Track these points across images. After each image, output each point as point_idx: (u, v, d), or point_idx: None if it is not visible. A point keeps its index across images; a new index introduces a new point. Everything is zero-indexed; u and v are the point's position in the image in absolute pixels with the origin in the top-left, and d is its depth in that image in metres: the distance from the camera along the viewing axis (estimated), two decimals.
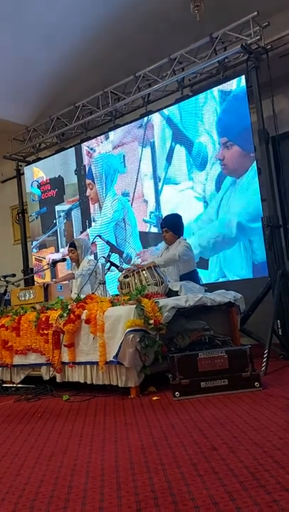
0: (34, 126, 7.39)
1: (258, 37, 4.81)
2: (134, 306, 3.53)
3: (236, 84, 5.23)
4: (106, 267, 4.58)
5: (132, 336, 3.40)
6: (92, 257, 6.03)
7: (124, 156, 6.36)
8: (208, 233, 5.43)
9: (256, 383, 3.16)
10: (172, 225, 4.71)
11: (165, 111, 5.93)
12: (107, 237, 6.37)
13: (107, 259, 4.58)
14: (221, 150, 5.36)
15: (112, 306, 3.71)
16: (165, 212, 5.64)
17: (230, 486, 1.68)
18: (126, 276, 4.19)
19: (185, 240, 4.73)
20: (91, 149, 6.81)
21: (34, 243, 7.67)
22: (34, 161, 7.69)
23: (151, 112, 6.08)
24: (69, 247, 5.62)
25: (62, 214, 7.25)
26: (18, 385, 4.33)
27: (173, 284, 4.31)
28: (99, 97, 6.42)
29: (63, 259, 5.86)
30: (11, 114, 7.25)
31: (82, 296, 4.19)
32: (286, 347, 4.36)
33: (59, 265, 6.56)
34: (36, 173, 7.68)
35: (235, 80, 5.24)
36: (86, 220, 6.88)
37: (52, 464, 2.17)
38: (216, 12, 4.95)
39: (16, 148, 7.72)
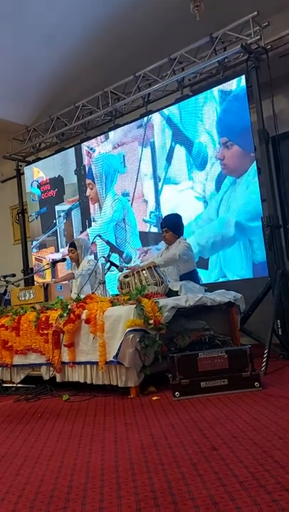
0: (34, 126, 7.39)
1: (258, 37, 4.82)
2: (134, 306, 3.53)
3: (236, 84, 5.23)
4: (106, 267, 4.58)
5: (131, 335, 3.40)
6: (92, 257, 6.03)
7: (124, 156, 6.36)
8: (207, 232, 5.44)
9: (256, 383, 3.15)
10: (172, 225, 4.71)
11: (165, 111, 5.93)
12: (107, 237, 6.37)
13: (107, 259, 4.57)
14: (221, 150, 5.36)
15: (112, 306, 3.71)
16: (165, 212, 5.64)
17: (230, 485, 1.68)
18: (126, 276, 4.19)
19: (185, 239, 4.73)
20: (91, 149, 6.81)
21: (34, 243, 7.67)
22: (34, 161, 7.69)
23: (151, 112, 6.08)
24: (69, 247, 5.62)
25: (62, 214, 7.25)
26: (18, 385, 4.33)
27: (173, 284, 4.31)
28: (99, 97, 6.42)
29: (63, 259, 5.86)
30: (11, 114, 7.25)
31: (82, 296, 4.19)
32: (286, 347, 4.36)
33: (59, 265, 6.57)
34: (36, 173, 7.68)
35: (235, 79, 5.24)
36: (86, 220, 6.89)
37: (52, 464, 2.17)
38: (216, 12, 4.95)
39: (16, 148, 7.72)
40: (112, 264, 4.54)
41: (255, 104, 4.88)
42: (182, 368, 3.20)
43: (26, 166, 7.81)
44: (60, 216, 7.29)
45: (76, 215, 7.04)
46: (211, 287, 4.69)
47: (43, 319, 4.08)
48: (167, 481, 1.80)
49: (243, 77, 5.13)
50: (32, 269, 7.61)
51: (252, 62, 4.88)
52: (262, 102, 4.85)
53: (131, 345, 3.39)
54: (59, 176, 7.30)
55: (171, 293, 4.17)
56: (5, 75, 6.26)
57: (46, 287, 4.65)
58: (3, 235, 8.84)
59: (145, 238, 6.13)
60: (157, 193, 5.99)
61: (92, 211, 6.80)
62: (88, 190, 6.83)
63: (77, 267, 5.44)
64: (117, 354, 3.42)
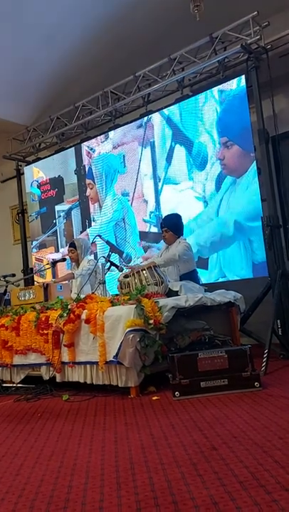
0: (34, 126, 7.39)
1: (258, 37, 4.82)
2: (134, 305, 3.53)
3: (236, 84, 5.23)
4: (106, 267, 4.58)
5: (131, 335, 3.40)
6: (92, 256, 6.03)
7: (124, 155, 6.36)
8: (207, 232, 5.44)
9: (256, 383, 3.15)
10: (172, 225, 4.71)
11: (165, 111, 5.93)
12: (107, 237, 6.37)
13: (107, 259, 4.58)
14: (221, 150, 5.36)
15: (112, 305, 3.71)
16: (165, 212, 5.64)
17: (230, 485, 1.68)
18: (126, 276, 4.19)
19: (185, 239, 4.73)
20: (91, 149, 6.81)
21: (34, 243, 7.67)
22: (34, 161, 7.69)
23: (151, 112, 6.08)
24: (69, 246, 5.63)
25: (62, 214, 7.26)
26: (18, 385, 4.33)
27: (173, 283, 4.31)
28: (99, 96, 6.42)
29: (63, 259, 5.87)
30: (11, 114, 7.25)
31: (82, 296, 4.19)
32: (286, 347, 4.36)
33: (59, 265, 6.57)
34: (36, 173, 7.68)
35: (235, 79, 5.24)
36: (86, 219, 6.89)
37: (52, 464, 2.17)
38: (216, 12, 4.94)
39: (16, 148, 7.72)
40: (112, 264, 4.54)
41: (255, 104, 4.88)
42: (182, 368, 3.20)
43: (26, 166, 7.81)
44: (60, 216, 7.29)
45: (76, 215, 7.04)
46: (210, 287, 4.69)
47: (43, 319, 4.08)
48: (167, 480, 1.80)
49: (243, 77, 5.13)
50: (32, 269, 7.62)
51: (252, 62, 4.88)
52: (262, 101, 4.85)
53: (131, 345, 3.39)
54: (59, 175, 7.30)
55: (171, 293, 4.17)
56: (5, 75, 6.26)
57: (46, 287, 4.65)
58: (3, 235, 8.84)
59: (145, 238, 6.13)
60: (157, 193, 6.00)
61: (92, 211, 6.80)
62: (88, 190, 6.83)
63: (77, 267, 5.44)
64: (117, 354, 3.42)
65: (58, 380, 3.95)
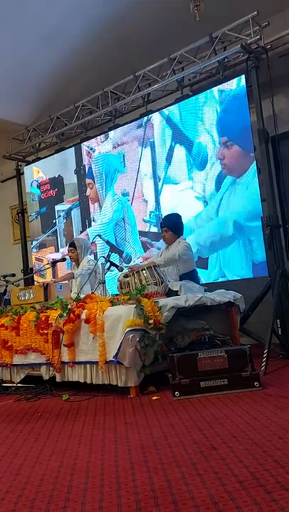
0: (34, 126, 7.39)
1: (258, 37, 4.82)
2: (134, 305, 3.53)
3: (236, 84, 5.23)
4: (106, 267, 4.58)
5: (131, 335, 3.40)
6: (92, 256, 6.03)
7: (124, 155, 6.36)
8: (207, 232, 5.44)
9: (256, 383, 3.16)
10: (172, 225, 4.71)
11: (165, 110, 5.93)
12: (107, 236, 6.37)
13: (107, 258, 4.58)
14: (221, 149, 5.36)
15: (112, 305, 3.71)
16: (165, 211, 5.64)
17: (230, 485, 1.69)
18: (126, 276, 4.20)
19: (185, 239, 4.73)
20: (91, 149, 6.81)
21: (34, 243, 7.67)
22: (34, 161, 7.69)
23: (151, 112, 6.08)
24: (69, 246, 5.63)
25: (62, 214, 7.26)
26: (18, 385, 4.33)
27: (173, 283, 4.31)
28: (99, 96, 6.42)
29: (63, 259, 5.87)
30: (11, 114, 7.25)
31: (82, 296, 4.19)
32: (286, 347, 4.36)
33: (59, 265, 6.57)
34: (36, 172, 7.68)
35: (235, 79, 5.24)
36: (86, 219, 6.89)
37: (52, 464, 2.17)
38: (216, 12, 4.95)
39: (16, 148, 7.72)
40: (112, 264, 4.55)
41: (255, 104, 4.88)
42: (182, 368, 3.20)
43: (26, 165, 7.81)
44: (59, 216, 7.29)
45: (76, 215, 7.04)
46: (210, 287, 4.69)
47: (43, 319, 4.09)
48: (167, 480, 1.80)
49: (243, 76, 5.13)
50: (32, 268, 7.62)
51: (252, 62, 4.89)
52: (262, 101, 4.85)
53: (131, 344, 3.39)
54: (59, 175, 7.30)
55: (171, 293, 4.17)
56: (5, 75, 6.26)
57: (46, 287, 4.65)
58: (3, 235, 8.84)
59: (145, 238, 6.13)
60: (157, 192, 6.00)
61: (92, 211, 6.80)
62: (88, 189, 6.83)
63: (77, 267, 5.44)
64: (116, 354, 3.42)
65: (57, 379, 3.96)
